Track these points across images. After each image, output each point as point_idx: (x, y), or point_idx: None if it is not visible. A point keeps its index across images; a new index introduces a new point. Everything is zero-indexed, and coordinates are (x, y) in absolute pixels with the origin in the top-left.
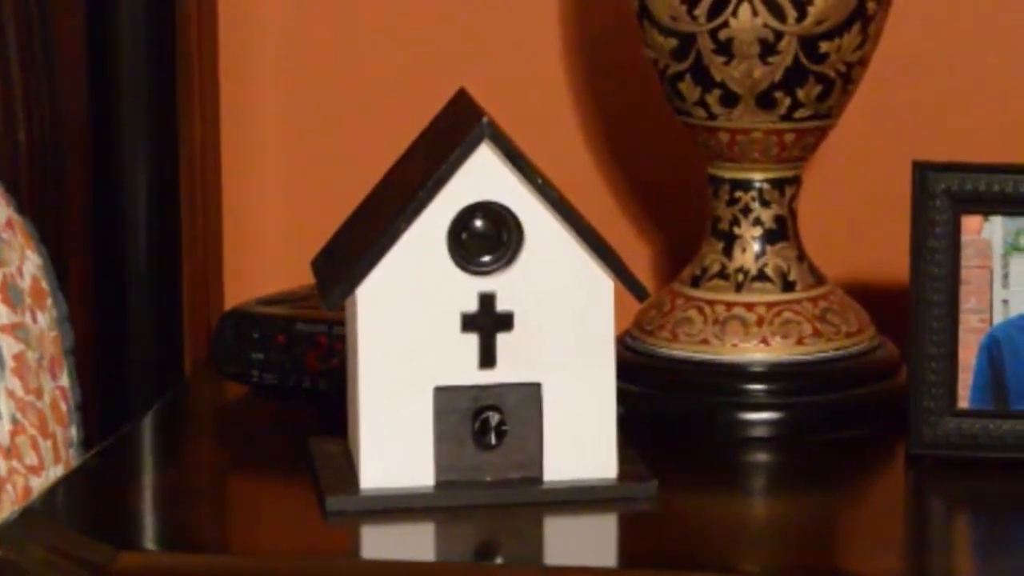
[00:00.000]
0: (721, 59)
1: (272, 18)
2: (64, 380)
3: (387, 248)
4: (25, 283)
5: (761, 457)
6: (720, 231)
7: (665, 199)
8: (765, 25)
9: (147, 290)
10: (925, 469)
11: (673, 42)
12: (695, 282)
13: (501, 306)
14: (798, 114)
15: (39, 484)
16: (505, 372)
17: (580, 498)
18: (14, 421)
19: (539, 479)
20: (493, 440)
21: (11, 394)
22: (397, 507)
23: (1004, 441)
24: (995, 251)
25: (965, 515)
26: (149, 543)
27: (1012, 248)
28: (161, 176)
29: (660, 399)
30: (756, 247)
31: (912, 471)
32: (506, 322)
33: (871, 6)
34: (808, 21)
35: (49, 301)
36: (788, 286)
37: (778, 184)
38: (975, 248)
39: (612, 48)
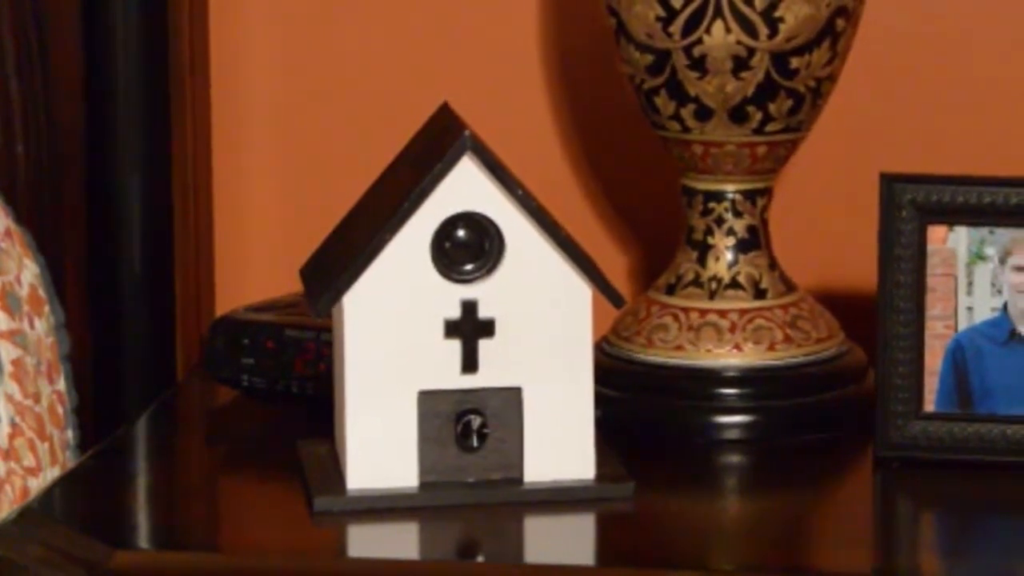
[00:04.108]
0: (695, 74)
1: (263, 34)
2: (61, 384)
3: (373, 257)
4: (23, 291)
5: (734, 459)
6: (694, 240)
7: (641, 209)
8: (738, 42)
9: (141, 297)
10: (892, 471)
11: (649, 58)
12: (670, 290)
13: (483, 313)
14: (770, 127)
15: (37, 485)
16: (487, 377)
17: (559, 498)
18: (12, 424)
19: (519, 480)
20: (475, 442)
21: (10, 398)
22: (382, 507)
23: (968, 444)
24: (960, 260)
25: (931, 515)
26: (143, 542)
27: (976, 257)
28: (154, 188)
29: (636, 403)
30: (729, 256)
31: (879, 472)
32: (488, 328)
33: (840, 23)
34: (779, 38)
35: (46, 308)
36: (760, 294)
37: (750, 195)
38: (940, 257)
39: (590, 64)
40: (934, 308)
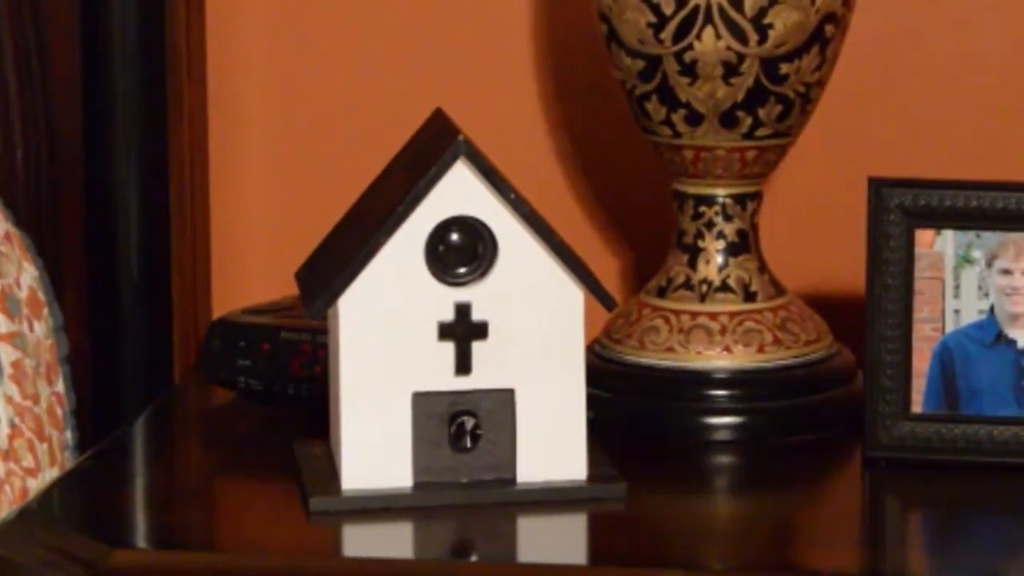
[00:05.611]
0: (686, 80)
1: (259, 39)
2: (60, 386)
3: (367, 260)
4: (23, 294)
5: (724, 460)
6: (685, 244)
7: (632, 213)
8: (728, 48)
9: (139, 301)
10: (880, 471)
11: (640, 64)
12: (661, 293)
13: (476, 315)
14: (759, 132)
15: (36, 485)
16: (480, 378)
17: (551, 499)
18: (12, 425)
19: (512, 480)
20: (468, 443)
21: (9, 400)
22: (377, 507)
23: (955, 444)
24: (947, 263)
25: (918, 514)
26: (141, 541)
27: (963, 260)
28: (152, 192)
29: (628, 404)
30: (719, 259)
31: (868, 473)
32: (481, 331)
33: (829, 30)
34: (769, 44)
35: (45, 311)
36: (750, 296)
37: (740, 199)
38: (928, 260)
39: (582, 70)
40: (922, 311)
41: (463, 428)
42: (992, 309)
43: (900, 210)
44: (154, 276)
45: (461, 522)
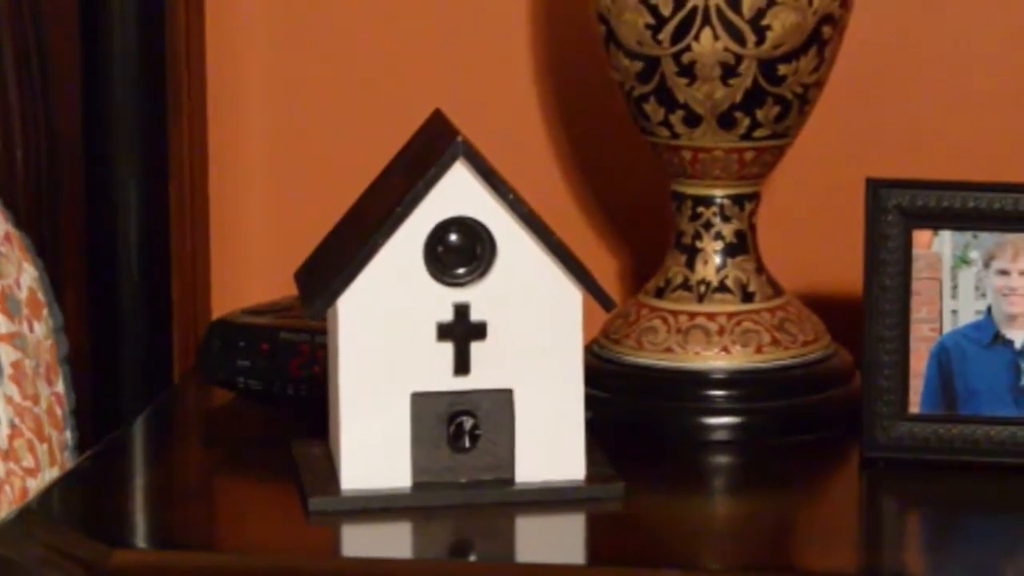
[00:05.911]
0: (684, 81)
1: (258, 40)
2: (59, 387)
3: (366, 261)
4: (22, 294)
5: (722, 460)
6: (683, 245)
7: (631, 214)
8: (726, 49)
9: (138, 301)
10: (878, 471)
11: (638, 65)
12: (659, 293)
13: (475, 316)
14: (757, 133)
15: (36, 485)
16: (479, 379)
17: (550, 499)
18: (12, 425)
19: (511, 480)
20: (467, 443)
21: (9, 400)
22: (376, 507)
23: (953, 444)
24: (944, 264)
25: (916, 514)
26: (141, 542)
27: (961, 261)
28: (151, 192)
29: (626, 404)
30: (717, 260)
31: (866, 473)
32: (480, 331)
33: (826, 31)
34: (767, 45)
35: (45, 312)
36: (748, 297)
37: (738, 200)
38: (925, 261)
39: (581, 71)
40: (919, 311)
41: (462, 428)
42: (989, 309)
43: (898, 211)
44: (154, 276)
45: (460, 522)
